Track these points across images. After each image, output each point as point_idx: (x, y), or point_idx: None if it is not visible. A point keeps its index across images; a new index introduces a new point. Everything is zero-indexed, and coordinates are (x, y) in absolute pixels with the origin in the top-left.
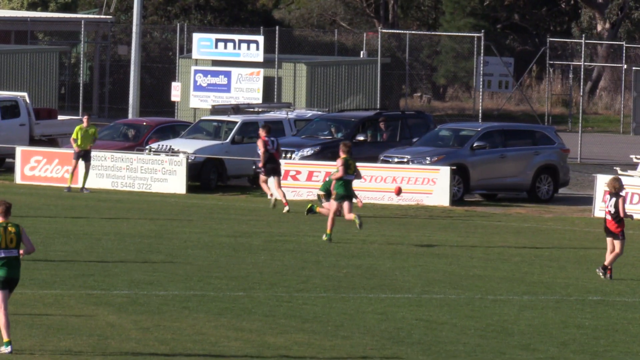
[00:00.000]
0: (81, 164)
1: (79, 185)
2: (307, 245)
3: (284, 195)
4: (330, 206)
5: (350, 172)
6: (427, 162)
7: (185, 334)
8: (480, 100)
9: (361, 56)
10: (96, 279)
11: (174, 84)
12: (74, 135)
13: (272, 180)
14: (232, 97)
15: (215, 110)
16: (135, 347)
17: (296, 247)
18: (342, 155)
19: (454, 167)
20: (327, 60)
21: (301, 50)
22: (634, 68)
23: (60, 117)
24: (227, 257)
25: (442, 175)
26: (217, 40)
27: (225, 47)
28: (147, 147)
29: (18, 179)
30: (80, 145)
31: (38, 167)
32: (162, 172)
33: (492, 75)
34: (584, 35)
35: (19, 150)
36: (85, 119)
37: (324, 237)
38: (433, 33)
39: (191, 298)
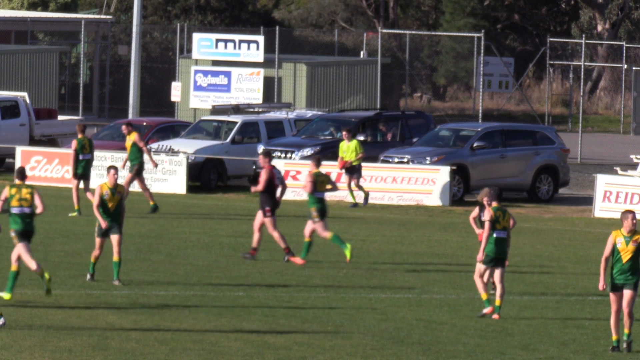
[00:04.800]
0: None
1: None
2: None
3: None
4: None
5: (86, 152)
6: (427, 162)
7: (185, 334)
8: (480, 100)
9: (361, 56)
10: (96, 279)
11: (174, 84)
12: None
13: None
14: (232, 97)
15: (216, 110)
16: (135, 347)
17: (296, 247)
18: (80, 135)
19: (454, 167)
20: (327, 60)
21: (301, 50)
22: (634, 68)
23: (60, 117)
24: (227, 257)
25: (442, 175)
26: (217, 41)
27: (226, 47)
28: (148, 147)
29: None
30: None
31: (38, 167)
32: (162, 172)
33: (492, 75)
34: (584, 35)
35: (19, 150)
36: (344, 134)
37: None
38: (433, 33)
39: (191, 298)
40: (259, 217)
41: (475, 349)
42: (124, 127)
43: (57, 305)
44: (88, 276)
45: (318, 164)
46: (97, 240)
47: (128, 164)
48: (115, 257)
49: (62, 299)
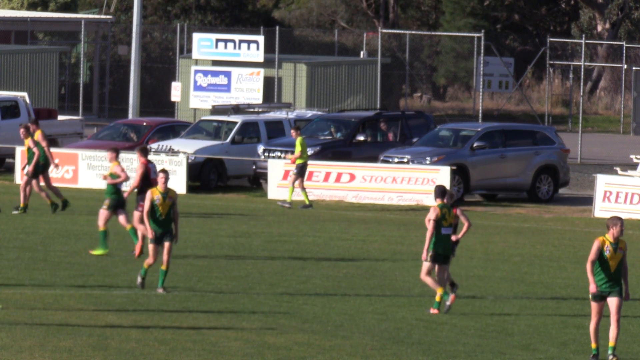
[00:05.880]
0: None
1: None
2: (307, 245)
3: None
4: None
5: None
6: (427, 162)
7: (185, 334)
8: (480, 100)
9: (361, 56)
10: (96, 279)
11: (174, 84)
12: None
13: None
14: (232, 97)
15: (216, 110)
16: (135, 347)
17: (296, 247)
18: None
19: (454, 167)
20: (327, 60)
21: (301, 50)
22: (634, 68)
23: (60, 117)
24: (227, 257)
25: (442, 175)
26: (217, 40)
27: (226, 47)
28: (147, 147)
29: (18, 179)
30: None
31: None
32: None
33: (492, 75)
34: (584, 35)
35: (19, 150)
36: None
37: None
38: (433, 33)
39: (191, 298)
40: (134, 213)
41: (475, 349)
42: (30, 124)
43: (57, 305)
44: (139, 279)
45: (116, 155)
46: (151, 246)
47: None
48: (164, 266)
49: (62, 299)
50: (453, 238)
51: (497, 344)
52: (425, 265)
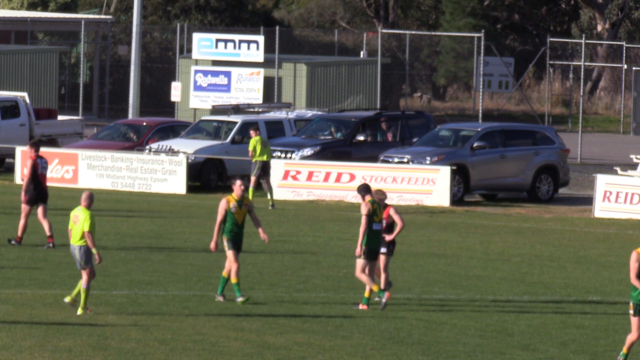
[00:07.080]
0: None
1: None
2: (307, 245)
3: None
4: None
5: None
6: (427, 162)
7: (185, 334)
8: (480, 100)
9: (361, 56)
10: (96, 279)
11: (174, 84)
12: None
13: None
14: (232, 97)
15: (216, 110)
16: (135, 347)
17: (296, 247)
18: None
19: (454, 167)
20: (327, 60)
21: (301, 50)
22: (634, 68)
23: (60, 117)
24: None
25: (442, 175)
26: (217, 40)
27: (226, 47)
28: (147, 147)
29: (18, 179)
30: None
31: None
32: (162, 172)
33: (492, 75)
34: (584, 35)
35: (19, 150)
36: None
37: None
38: (433, 33)
39: (191, 298)
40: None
41: (475, 349)
42: None
43: (57, 305)
44: (220, 298)
45: None
46: (230, 253)
47: None
48: (233, 279)
49: (62, 299)
50: (387, 238)
51: (497, 344)
52: (360, 262)
